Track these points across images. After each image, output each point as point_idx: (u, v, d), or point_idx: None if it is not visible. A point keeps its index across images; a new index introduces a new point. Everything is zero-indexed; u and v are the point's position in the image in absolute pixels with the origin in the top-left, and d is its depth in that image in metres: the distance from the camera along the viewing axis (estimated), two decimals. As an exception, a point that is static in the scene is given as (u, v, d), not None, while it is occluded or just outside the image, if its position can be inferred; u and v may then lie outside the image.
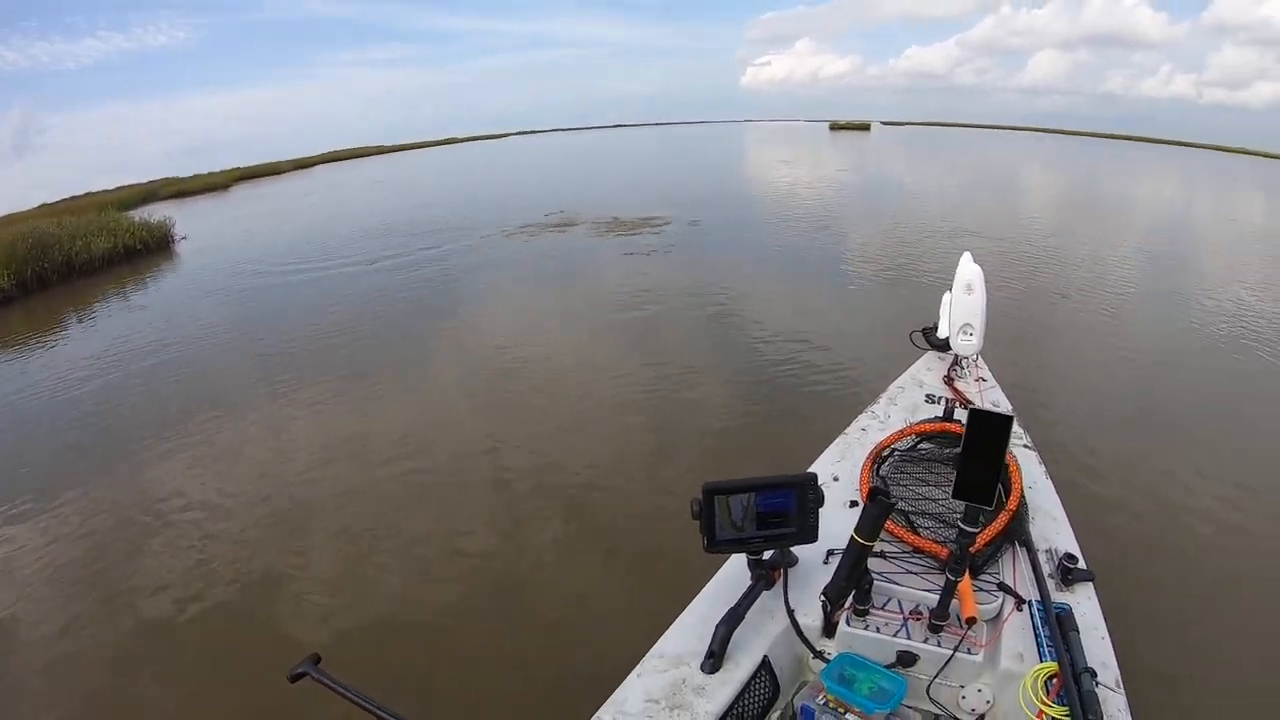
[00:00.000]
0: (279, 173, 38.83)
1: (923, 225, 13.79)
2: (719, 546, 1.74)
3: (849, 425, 2.94)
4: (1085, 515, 3.28)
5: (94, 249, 13.46)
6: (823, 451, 2.74)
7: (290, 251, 13.35)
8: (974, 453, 1.53)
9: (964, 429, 1.54)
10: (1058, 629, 1.63)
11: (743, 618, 1.73)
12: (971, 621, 1.72)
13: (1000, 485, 1.60)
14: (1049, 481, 2.45)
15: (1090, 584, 1.89)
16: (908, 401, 3.10)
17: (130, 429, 5.98)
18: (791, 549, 1.88)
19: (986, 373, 3.35)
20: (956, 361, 3.37)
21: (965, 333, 3.25)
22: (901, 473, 2.43)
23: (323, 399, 6.24)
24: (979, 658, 1.70)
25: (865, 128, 65.50)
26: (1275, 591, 3.55)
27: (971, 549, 1.70)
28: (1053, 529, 2.16)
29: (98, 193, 29.77)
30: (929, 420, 2.64)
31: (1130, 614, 2.78)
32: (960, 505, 1.61)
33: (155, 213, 17.37)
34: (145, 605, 3.79)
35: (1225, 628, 3.29)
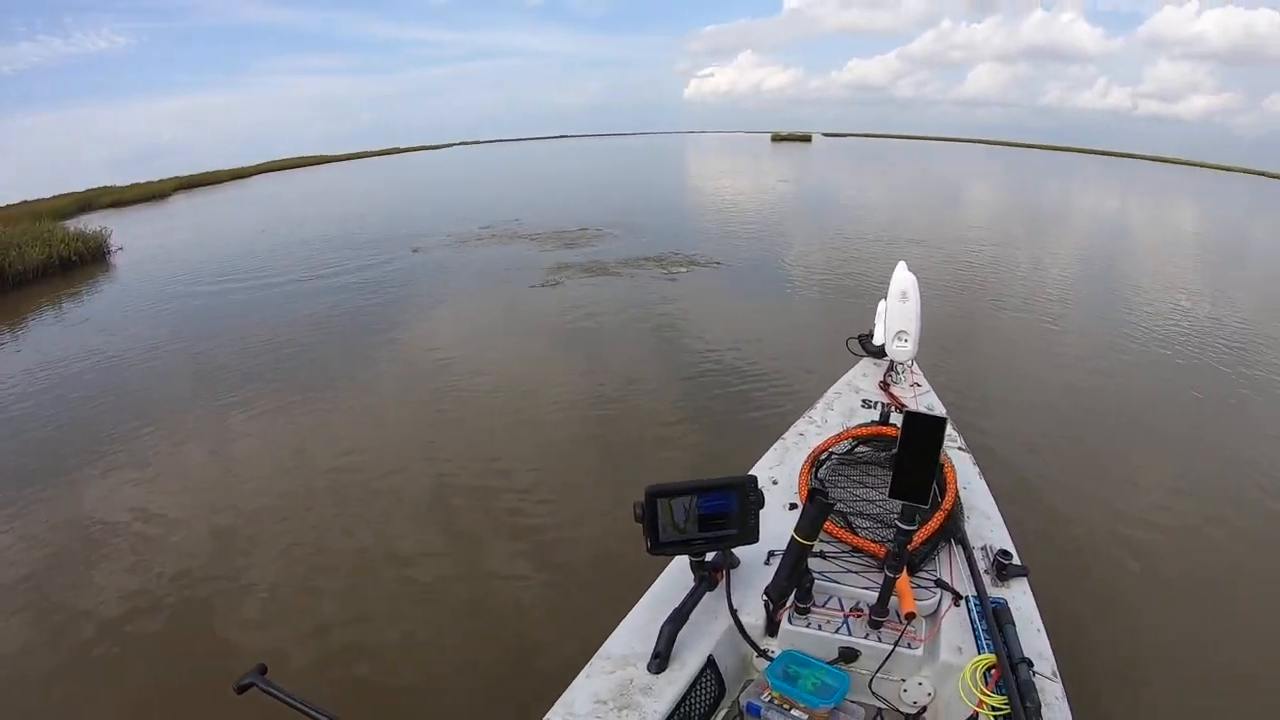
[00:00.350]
0: (218, 182, 37.75)
1: (861, 235, 14.13)
2: (662, 549, 1.74)
3: (787, 430, 2.99)
4: (1019, 513, 3.42)
5: (28, 260, 12.81)
6: (762, 455, 2.78)
7: (228, 264, 12.92)
8: (909, 453, 1.58)
9: (900, 431, 1.59)
10: (994, 622, 1.68)
11: (687, 618, 1.74)
12: (911, 617, 1.76)
13: (935, 485, 1.65)
14: (983, 481, 2.53)
15: (1025, 579, 1.96)
16: (844, 406, 3.17)
17: (65, 445, 5.66)
18: (733, 550, 1.89)
19: (921, 378, 3.44)
20: (892, 367, 3.45)
21: (900, 339, 3.33)
22: (839, 475, 2.48)
23: (264, 413, 6.03)
24: (919, 652, 1.74)
25: (807, 139, 66.96)
26: (1199, 581, 3.75)
27: (909, 547, 1.74)
28: (987, 527, 2.23)
29: (33, 201, 28.29)
30: (865, 424, 2.70)
31: (1064, 607, 2.89)
32: (897, 505, 1.66)
33: (92, 222, 16.63)
34: (83, 621, 3.59)
35: (1153, 616, 3.44)
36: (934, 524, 2.03)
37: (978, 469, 2.62)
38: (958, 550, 2.05)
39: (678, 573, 1.96)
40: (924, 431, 1.56)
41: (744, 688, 1.75)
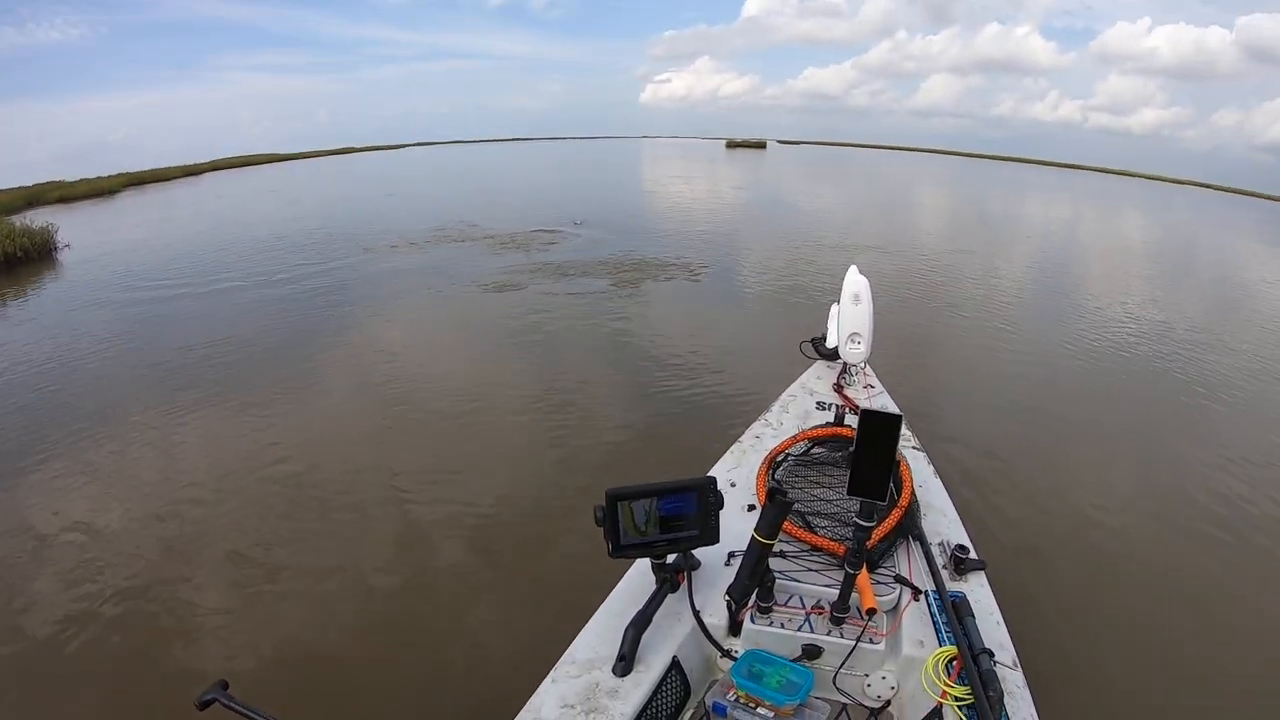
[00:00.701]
0: (168, 179, 36.55)
1: (814, 241, 14.33)
2: (624, 551, 1.75)
3: (743, 433, 3.02)
4: (974, 509, 3.53)
5: (-29, 255, 12.22)
6: (719, 458, 2.80)
7: (178, 263, 12.45)
8: (866, 451, 1.60)
9: (856, 430, 1.61)
10: (954, 615, 1.72)
11: (651, 620, 1.74)
12: (872, 613, 1.79)
13: (892, 483, 1.69)
14: (938, 479, 2.58)
15: (982, 572, 2.00)
16: (799, 409, 3.21)
17: (4, 451, 5.46)
18: (694, 552, 1.91)
19: (874, 379, 3.50)
20: (845, 369, 3.51)
21: (853, 341, 3.40)
22: (796, 476, 2.51)
23: (214, 418, 5.80)
24: (881, 646, 1.77)
25: (761, 146, 67.62)
26: (1149, 569, 3.92)
27: (867, 544, 1.77)
28: (944, 523, 2.28)
29: (-22, 194, 26.97)
30: (820, 426, 2.74)
31: (1022, 598, 2.99)
32: (854, 504, 1.69)
33: (39, 218, 15.91)
34: (24, 639, 3.41)
35: (1107, 604, 3.58)
36: (891, 521, 2.06)
37: (933, 467, 2.67)
38: (916, 546, 2.09)
39: (639, 576, 1.96)
40: (880, 429, 1.59)
41: (709, 688, 1.76)
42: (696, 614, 1.83)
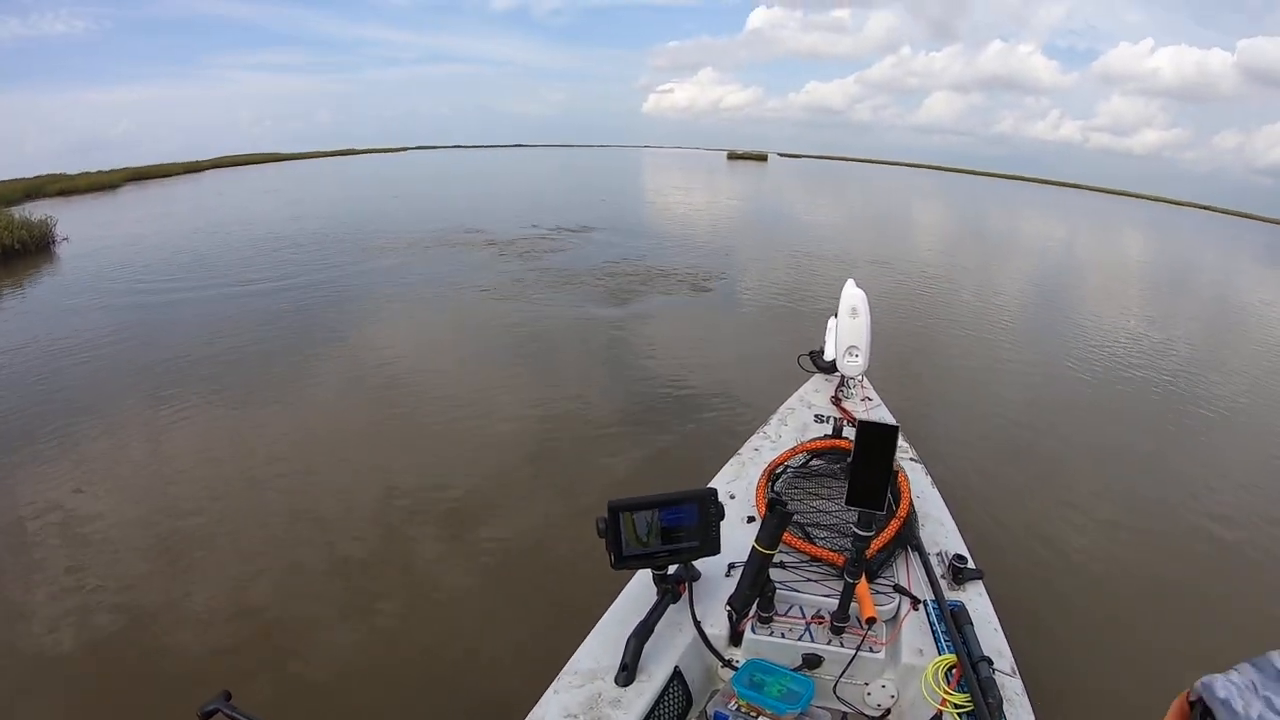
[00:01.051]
0: (170, 175, 36.58)
1: (813, 254, 14.41)
2: (626, 562, 1.77)
3: (742, 446, 3.03)
4: (971, 520, 3.54)
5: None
6: (719, 471, 2.81)
7: (175, 260, 12.43)
8: (864, 461, 1.62)
9: (854, 441, 1.63)
10: (953, 624, 1.74)
11: (652, 631, 1.75)
12: (871, 622, 1.81)
13: (890, 493, 1.70)
14: (935, 490, 2.60)
15: (980, 582, 2.02)
16: (798, 421, 3.22)
17: None
18: (694, 564, 1.93)
19: (872, 392, 3.52)
20: (843, 382, 3.53)
21: (851, 354, 3.41)
22: (795, 488, 2.53)
23: (205, 418, 5.76)
24: (881, 655, 1.78)
25: (763, 158, 67.98)
26: (1141, 579, 3.99)
27: (866, 553, 1.79)
28: (941, 533, 2.30)
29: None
30: (819, 438, 2.76)
31: (1019, 607, 2.99)
32: (853, 515, 1.71)
33: (38, 210, 15.85)
34: (20, 650, 3.34)
35: (1103, 613, 3.63)
36: (890, 531, 2.09)
37: (930, 478, 2.69)
38: (914, 556, 2.11)
39: (640, 587, 1.97)
40: (877, 440, 1.61)
41: (710, 697, 1.78)
42: (698, 624, 1.84)
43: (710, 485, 2.62)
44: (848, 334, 3.41)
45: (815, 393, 3.57)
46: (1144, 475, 5.36)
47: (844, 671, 1.76)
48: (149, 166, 36.62)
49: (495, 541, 4.14)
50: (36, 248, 13.82)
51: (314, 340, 7.99)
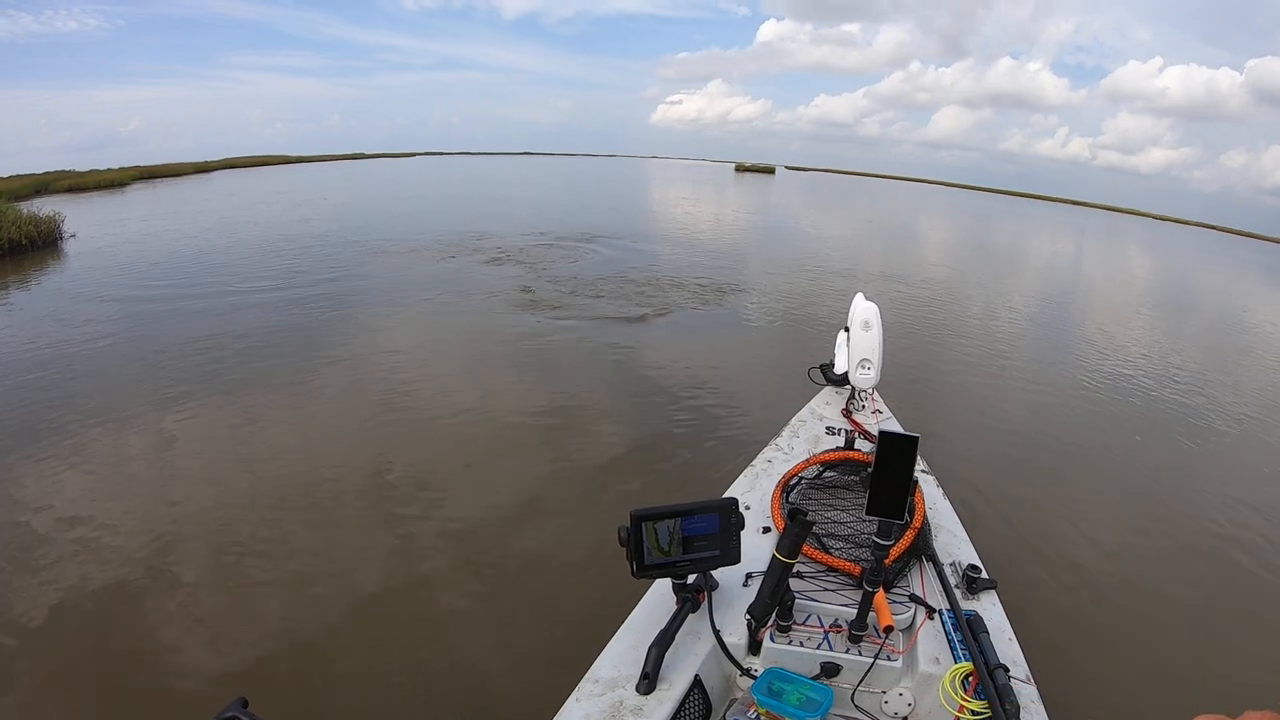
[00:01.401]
0: (179, 174, 36.84)
1: (821, 268, 14.46)
2: (648, 571, 1.78)
3: (756, 457, 3.06)
4: (983, 531, 3.58)
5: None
6: (733, 482, 2.84)
7: (181, 261, 12.48)
8: (884, 471, 1.64)
9: (875, 451, 1.65)
10: (969, 632, 1.76)
11: (673, 639, 1.77)
12: (889, 630, 1.82)
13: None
14: (947, 501, 2.63)
15: (994, 591, 2.05)
16: (809, 433, 3.26)
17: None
18: (713, 573, 1.94)
19: (882, 405, 3.55)
20: (854, 395, 3.56)
21: (863, 367, 3.45)
22: (809, 499, 2.55)
23: (207, 421, 5.73)
24: (898, 664, 1.81)
25: (770, 171, 68.42)
26: (1151, 589, 4.03)
27: (884, 562, 1.81)
28: (954, 544, 2.33)
29: (-12, 179, 27.09)
30: (831, 450, 2.78)
31: (1033, 616, 3.04)
32: (867, 526, 1.73)
33: (46, 206, 15.88)
34: (22, 658, 3.28)
35: (1117, 626, 3.66)
36: (905, 542, 2.11)
37: (941, 490, 2.73)
38: (929, 567, 2.13)
39: (658, 596, 1.99)
40: (898, 449, 1.63)
41: (730, 706, 1.80)
42: (717, 633, 1.86)
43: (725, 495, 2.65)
44: (860, 347, 3.44)
45: (826, 405, 3.60)
46: (1155, 491, 5.39)
47: (862, 680, 1.78)
48: (158, 166, 36.99)
49: (513, 550, 4.14)
50: (44, 243, 13.91)
51: (320, 343, 8.00)
